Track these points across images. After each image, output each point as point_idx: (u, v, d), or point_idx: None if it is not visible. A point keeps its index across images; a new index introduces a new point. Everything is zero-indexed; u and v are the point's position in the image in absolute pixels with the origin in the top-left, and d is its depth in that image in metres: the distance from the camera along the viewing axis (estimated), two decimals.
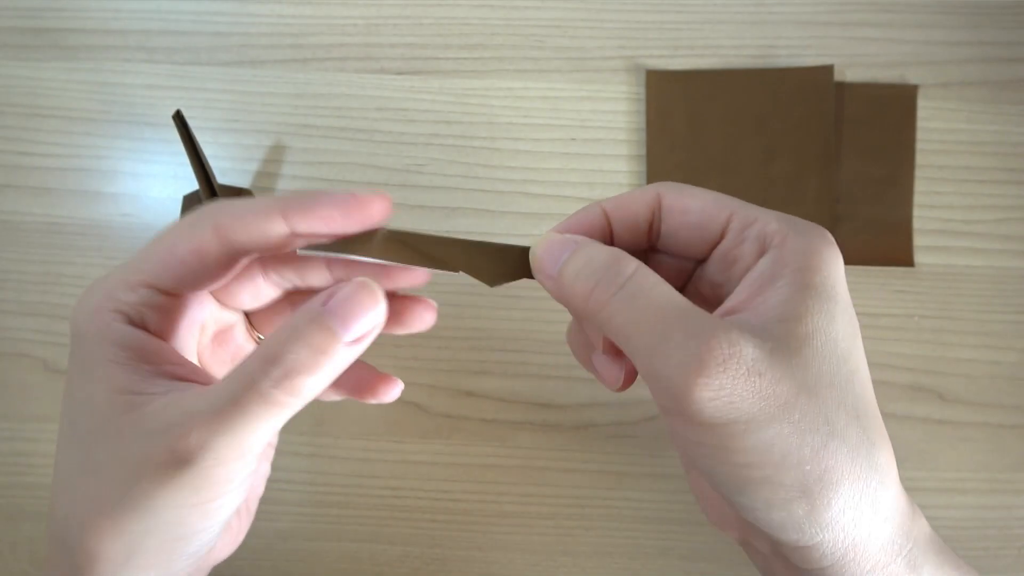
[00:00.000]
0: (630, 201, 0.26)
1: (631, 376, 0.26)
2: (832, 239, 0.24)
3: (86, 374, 0.22)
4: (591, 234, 0.26)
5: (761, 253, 0.24)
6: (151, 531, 0.21)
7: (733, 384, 0.21)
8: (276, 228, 0.23)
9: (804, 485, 0.22)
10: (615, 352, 0.25)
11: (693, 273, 0.27)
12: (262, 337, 0.29)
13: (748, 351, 0.21)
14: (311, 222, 0.23)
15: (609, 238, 0.26)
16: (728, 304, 0.24)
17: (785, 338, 0.22)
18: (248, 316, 0.28)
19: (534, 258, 0.25)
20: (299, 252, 0.24)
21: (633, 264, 0.23)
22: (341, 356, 0.22)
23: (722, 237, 0.25)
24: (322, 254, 0.24)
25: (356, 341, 0.22)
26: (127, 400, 0.22)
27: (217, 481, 0.21)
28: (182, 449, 0.20)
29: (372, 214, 0.23)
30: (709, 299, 0.26)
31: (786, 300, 0.23)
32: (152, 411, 0.22)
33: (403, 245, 0.24)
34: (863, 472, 0.23)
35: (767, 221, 0.24)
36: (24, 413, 0.40)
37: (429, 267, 0.24)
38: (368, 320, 0.22)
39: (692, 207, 0.25)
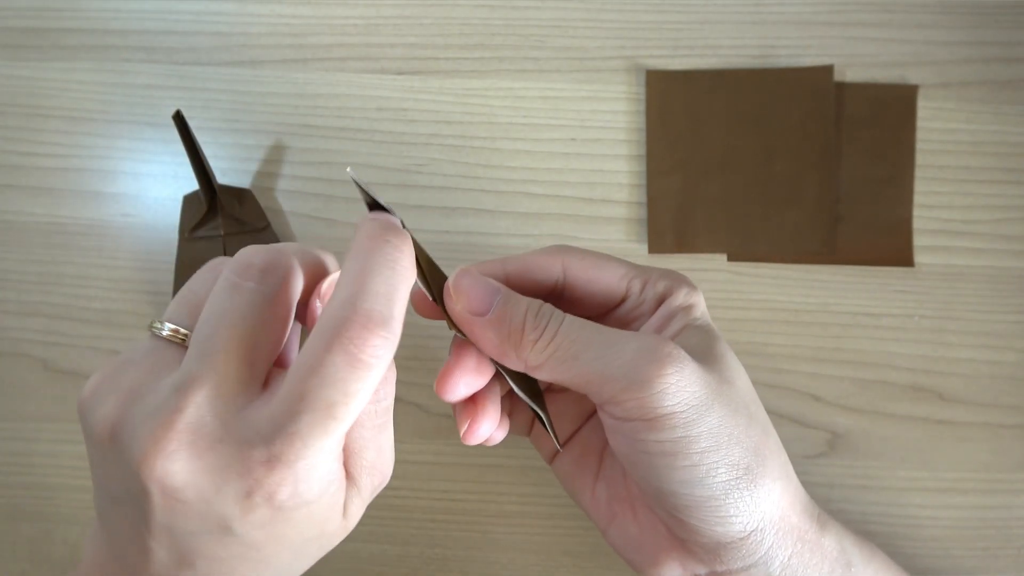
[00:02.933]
0: (534, 269, 0.29)
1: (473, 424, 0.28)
2: (695, 285, 0.29)
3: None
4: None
5: (658, 307, 0.29)
6: None
7: (682, 373, 0.25)
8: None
9: (746, 463, 0.25)
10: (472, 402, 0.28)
11: None
12: None
13: (682, 351, 0.25)
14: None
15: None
16: None
17: (694, 349, 0.26)
18: None
19: (458, 293, 0.27)
20: (349, 172, 0.24)
21: (560, 311, 0.27)
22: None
23: (622, 301, 0.29)
24: (369, 190, 0.24)
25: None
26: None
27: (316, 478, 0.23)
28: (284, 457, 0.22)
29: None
30: None
31: (683, 328, 0.28)
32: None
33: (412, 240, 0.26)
34: (775, 447, 0.27)
35: (656, 280, 0.29)
36: (24, 413, 0.40)
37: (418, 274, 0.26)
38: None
39: (597, 278, 0.29)
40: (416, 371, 0.39)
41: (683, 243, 0.40)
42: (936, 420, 0.39)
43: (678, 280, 0.29)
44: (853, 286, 0.40)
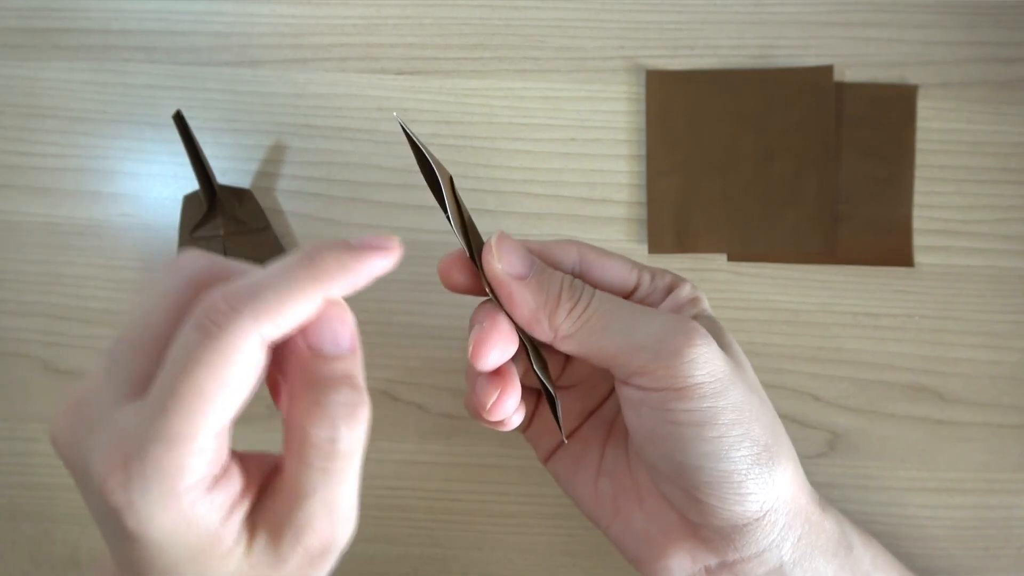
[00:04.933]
0: (554, 251, 0.29)
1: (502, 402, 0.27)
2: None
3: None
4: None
5: (666, 297, 0.30)
6: None
7: (709, 348, 0.26)
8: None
9: (765, 441, 0.26)
10: (498, 375, 0.28)
11: None
12: None
13: (704, 329, 0.26)
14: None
15: None
16: None
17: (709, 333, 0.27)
18: None
19: (501, 252, 0.27)
20: (396, 116, 0.24)
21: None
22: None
23: (634, 290, 0.30)
24: (414, 138, 0.24)
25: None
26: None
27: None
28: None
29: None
30: None
31: (694, 317, 0.29)
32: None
33: (455, 199, 0.27)
34: (783, 432, 0.28)
35: (662, 276, 0.30)
36: (24, 413, 0.40)
37: (454, 229, 0.26)
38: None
39: (611, 266, 0.29)
40: (416, 371, 0.39)
41: (683, 243, 0.40)
42: (936, 420, 0.39)
43: (679, 277, 0.30)
44: (853, 286, 0.40)
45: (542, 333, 0.27)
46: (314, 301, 0.20)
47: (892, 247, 0.40)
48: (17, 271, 0.40)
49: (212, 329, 0.19)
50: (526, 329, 0.27)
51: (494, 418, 0.27)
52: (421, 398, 0.39)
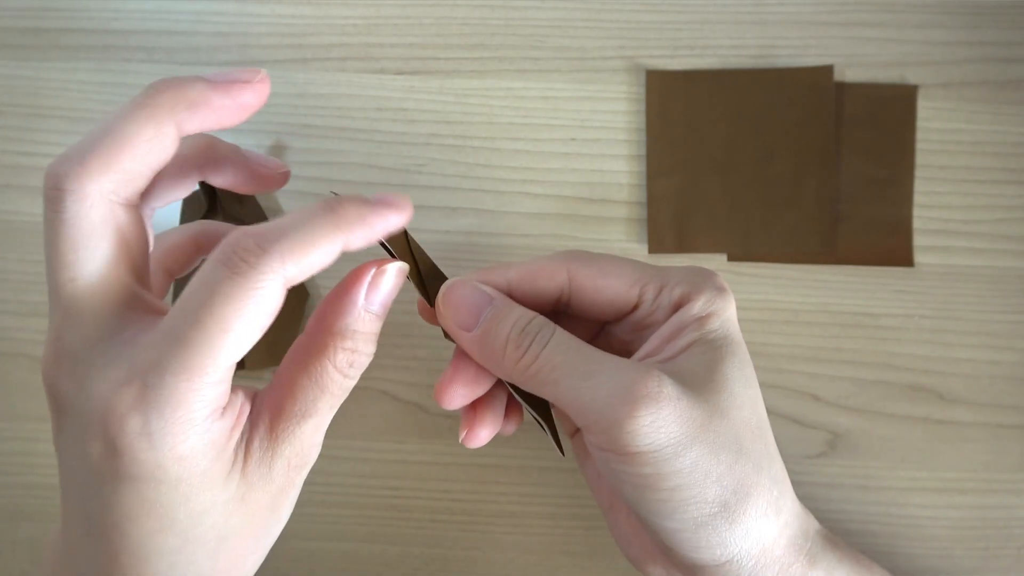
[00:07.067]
0: (538, 277, 0.28)
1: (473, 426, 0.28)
2: (724, 285, 0.28)
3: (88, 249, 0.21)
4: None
5: (672, 314, 0.27)
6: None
7: (658, 414, 0.24)
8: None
9: (723, 500, 0.25)
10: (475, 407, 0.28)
11: (601, 330, 0.30)
12: None
13: (667, 385, 0.24)
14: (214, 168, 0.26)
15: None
16: (641, 352, 0.28)
17: (696, 371, 0.26)
18: None
19: (446, 306, 0.27)
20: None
21: (553, 326, 0.26)
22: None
23: (635, 308, 0.28)
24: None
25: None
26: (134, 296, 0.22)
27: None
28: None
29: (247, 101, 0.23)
30: (619, 352, 0.27)
31: (691, 343, 0.26)
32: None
33: (408, 247, 0.26)
34: (767, 482, 0.26)
35: (673, 286, 0.27)
36: (24, 413, 0.40)
37: (410, 276, 0.26)
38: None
39: (605, 286, 0.28)
40: (416, 371, 0.39)
41: (683, 243, 0.40)
42: (936, 420, 0.39)
43: (700, 285, 0.27)
44: (853, 286, 0.40)
45: (498, 376, 0.27)
46: (335, 249, 0.21)
47: (892, 247, 0.40)
48: (17, 271, 0.40)
49: (241, 266, 0.20)
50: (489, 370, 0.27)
51: (470, 447, 0.28)
52: (421, 398, 0.39)
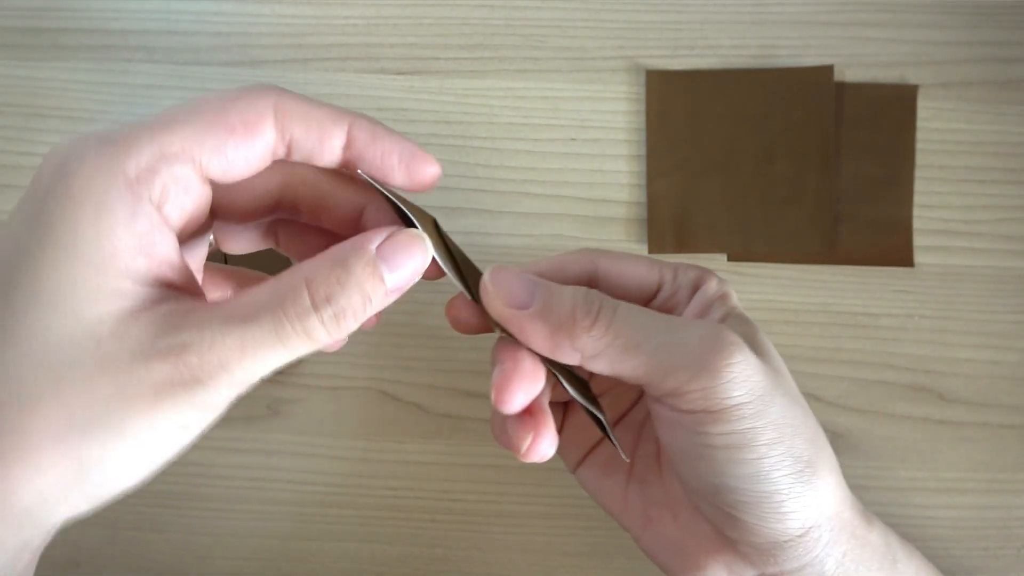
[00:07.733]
0: (566, 266, 0.28)
1: (537, 436, 0.25)
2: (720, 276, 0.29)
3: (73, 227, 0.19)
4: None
5: (693, 295, 0.28)
6: (120, 454, 0.19)
7: (748, 363, 0.24)
8: (334, 142, 0.22)
9: (808, 455, 0.24)
10: (529, 415, 0.26)
11: None
12: None
13: (741, 340, 0.24)
14: (371, 151, 0.23)
15: None
16: None
17: (742, 337, 0.25)
18: None
19: (496, 288, 0.25)
20: (360, 174, 0.23)
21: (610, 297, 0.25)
22: (378, 304, 0.21)
23: (657, 291, 0.28)
24: (385, 192, 0.23)
25: (394, 291, 0.21)
26: (117, 289, 0.19)
27: (217, 407, 0.20)
28: (196, 368, 0.18)
29: (424, 177, 0.23)
30: None
31: (725, 316, 0.27)
32: (151, 319, 0.19)
33: (442, 240, 0.25)
34: (824, 440, 0.26)
35: (686, 271, 0.28)
36: None
37: (448, 272, 0.24)
38: (413, 271, 0.22)
39: (629, 271, 0.28)
40: (416, 371, 0.39)
41: (683, 243, 0.40)
42: (936, 420, 0.39)
43: (705, 271, 0.28)
44: (853, 286, 0.40)
45: (568, 357, 0.24)
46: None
47: (892, 247, 0.40)
48: None
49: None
50: (550, 356, 0.25)
51: (530, 460, 0.25)
52: (421, 398, 0.39)
